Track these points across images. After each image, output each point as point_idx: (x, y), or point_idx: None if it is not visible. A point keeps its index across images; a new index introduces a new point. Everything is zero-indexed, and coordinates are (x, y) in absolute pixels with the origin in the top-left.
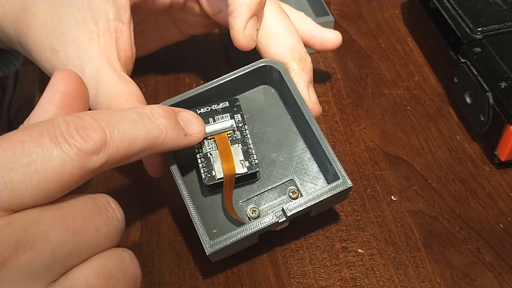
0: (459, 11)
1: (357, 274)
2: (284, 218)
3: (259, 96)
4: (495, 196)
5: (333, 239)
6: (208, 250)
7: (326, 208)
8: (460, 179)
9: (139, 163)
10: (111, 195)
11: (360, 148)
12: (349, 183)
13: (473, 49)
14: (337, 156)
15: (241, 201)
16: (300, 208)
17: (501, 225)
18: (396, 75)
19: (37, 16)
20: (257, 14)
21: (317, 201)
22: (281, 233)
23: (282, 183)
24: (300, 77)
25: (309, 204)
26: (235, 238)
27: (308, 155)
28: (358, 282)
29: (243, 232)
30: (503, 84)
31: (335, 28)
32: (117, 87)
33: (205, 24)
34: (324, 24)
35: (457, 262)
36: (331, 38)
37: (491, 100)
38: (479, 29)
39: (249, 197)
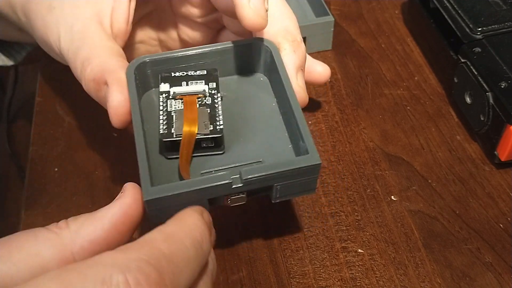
0: (459, 11)
1: (357, 274)
2: (240, 184)
3: (248, 83)
4: (495, 196)
5: (333, 239)
6: (145, 196)
7: (292, 195)
8: (460, 179)
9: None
10: (111, 196)
11: (360, 148)
12: (317, 159)
13: (473, 49)
14: (337, 156)
15: (202, 171)
16: (259, 174)
17: (501, 225)
18: (396, 75)
19: None
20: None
21: (279, 170)
22: (281, 234)
23: (250, 163)
24: (290, 58)
25: (269, 172)
26: (177, 191)
27: (286, 141)
28: (358, 282)
29: (187, 187)
30: (503, 84)
31: (335, 28)
32: (102, 40)
33: (206, 24)
34: (324, 24)
35: (457, 262)
36: (319, 70)
37: (491, 100)
38: (479, 29)
39: (211, 169)
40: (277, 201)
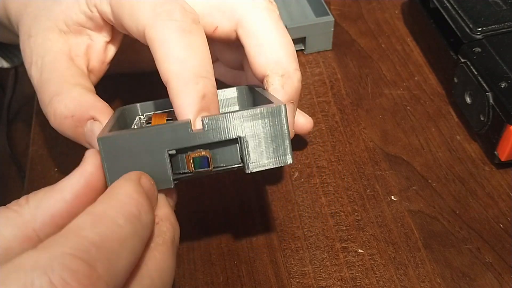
0: (459, 11)
1: (357, 274)
2: (200, 127)
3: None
4: (495, 196)
5: (333, 239)
6: (99, 135)
7: (265, 160)
8: (460, 179)
9: None
10: None
11: (360, 148)
12: (282, 106)
13: (473, 49)
14: (337, 156)
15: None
16: (219, 119)
17: (501, 225)
18: (396, 75)
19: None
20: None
21: (241, 113)
22: (281, 234)
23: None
24: (277, 94)
25: (230, 116)
26: (131, 133)
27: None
28: (358, 282)
29: (141, 130)
30: (503, 84)
31: (335, 28)
32: (73, 77)
33: None
34: (324, 24)
35: (457, 262)
36: (300, 122)
37: (491, 100)
38: (479, 29)
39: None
40: (250, 170)
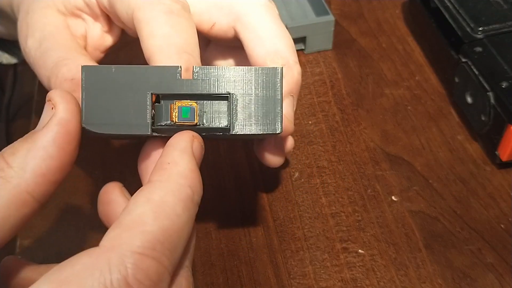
0: (460, 11)
1: (357, 275)
2: (189, 80)
3: None
4: (496, 197)
5: (334, 240)
6: (83, 67)
7: (253, 125)
8: (461, 179)
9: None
10: None
11: (361, 148)
12: (279, 68)
13: (474, 49)
14: (337, 156)
15: None
16: (211, 70)
17: (502, 226)
18: (397, 75)
19: None
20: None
21: (234, 68)
22: (281, 234)
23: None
24: None
25: (224, 70)
26: (115, 67)
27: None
28: (359, 283)
29: (127, 67)
30: (504, 84)
31: (335, 28)
32: (77, 47)
33: None
34: (324, 24)
35: (458, 263)
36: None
37: (492, 100)
38: (480, 28)
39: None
40: (235, 132)
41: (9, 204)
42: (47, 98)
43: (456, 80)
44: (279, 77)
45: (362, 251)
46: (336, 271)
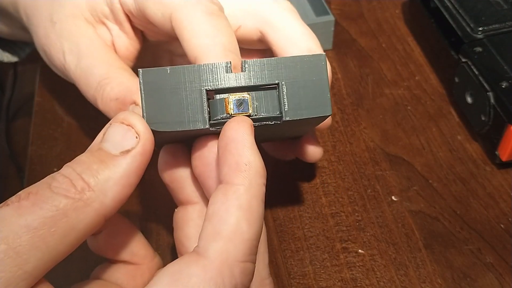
0: (460, 11)
1: (357, 275)
2: (239, 74)
3: None
4: (496, 196)
5: (334, 240)
6: (140, 71)
7: (304, 110)
8: (461, 179)
9: None
10: None
11: (361, 148)
12: (323, 54)
13: (474, 49)
14: (337, 156)
15: None
16: (259, 62)
17: (502, 226)
18: (397, 75)
19: None
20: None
21: (280, 58)
22: (281, 234)
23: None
24: None
25: (271, 61)
26: (170, 68)
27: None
28: (359, 283)
29: (180, 67)
30: (504, 84)
31: (335, 28)
32: (116, 61)
33: None
34: (324, 24)
35: (458, 263)
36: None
37: (492, 100)
38: (480, 28)
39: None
40: (288, 118)
41: (86, 228)
42: (122, 119)
43: (456, 80)
44: (324, 62)
45: (362, 251)
46: (336, 271)
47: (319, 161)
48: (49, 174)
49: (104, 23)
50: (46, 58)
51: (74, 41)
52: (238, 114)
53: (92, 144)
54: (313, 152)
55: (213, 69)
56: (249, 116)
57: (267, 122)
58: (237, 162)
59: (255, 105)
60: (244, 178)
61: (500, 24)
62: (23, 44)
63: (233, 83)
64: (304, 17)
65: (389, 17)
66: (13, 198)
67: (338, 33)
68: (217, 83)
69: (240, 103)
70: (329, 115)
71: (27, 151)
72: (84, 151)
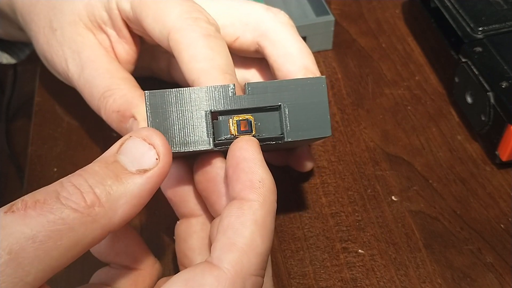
0: (460, 11)
1: (357, 275)
2: (243, 96)
3: None
4: (496, 196)
5: (334, 240)
6: (146, 92)
7: (304, 132)
8: (461, 179)
9: None
10: None
11: (361, 148)
12: (323, 77)
13: (474, 49)
14: (337, 156)
15: None
16: (262, 85)
17: (502, 226)
18: (397, 75)
19: None
20: None
21: (282, 81)
22: (281, 234)
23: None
24: None
25: (273, 84)
26: (175, 90)
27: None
28: (359, 283)
29: (185, 89)
30: (504, 84)
31: (335, 28)
32: (118, 71)
33: None
34: (324, 24)
35: (458, 263)
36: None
37: (492, 100)
38: (480, 28)
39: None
40: (289, 139)
41: (90, 243)
42: (145, 136)
43: (456, 80)
44: (324, 85)
45: (362, 251)
46: (336, 271)
47: (319, 161)
48: (49, 175)
49: (102, 29)
50: (48, 64)
51: (76, 50)
52: (242, 134)
53: (107, 152)
54: (306, 164)
55: (218, 92)
56: (252, 136)
57: (269, 142)
58: (251, 179)
59: (258, 126)
60: (259, 195)
61: (500, 24)
62: (22, 45)
63: (237, 105)
64: (304, 17)
65: (389, 17)
66: (19, 204)
67: (338, 33)
68: (221, 104)
69: (243, 124)
70: (329, 136)
71: (27, 151)
72: (84, 151)
